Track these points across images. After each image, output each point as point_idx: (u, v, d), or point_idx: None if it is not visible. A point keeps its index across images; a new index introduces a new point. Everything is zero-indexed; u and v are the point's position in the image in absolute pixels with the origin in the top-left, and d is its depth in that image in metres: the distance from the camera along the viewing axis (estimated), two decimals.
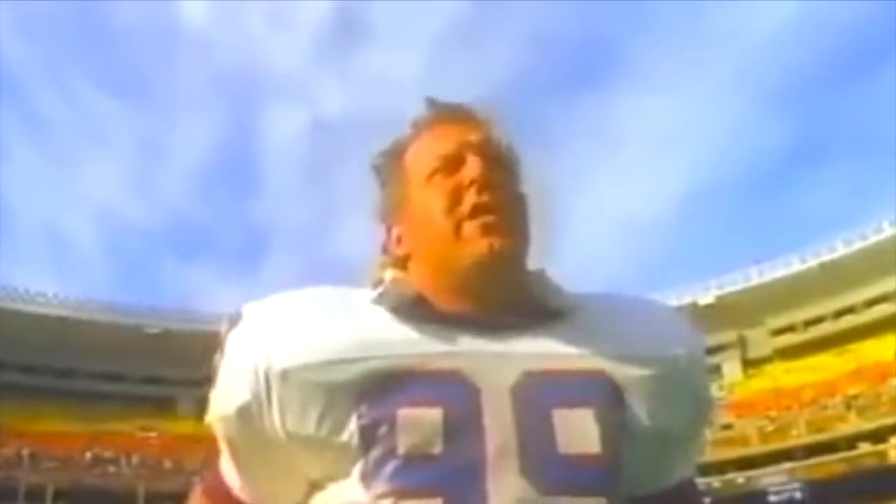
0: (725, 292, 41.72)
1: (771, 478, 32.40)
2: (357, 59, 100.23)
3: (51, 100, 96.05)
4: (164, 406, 41.62)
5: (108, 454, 35.55)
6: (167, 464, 35.72)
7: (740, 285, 42.02)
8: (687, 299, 39.65)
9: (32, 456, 32.89)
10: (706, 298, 41.25)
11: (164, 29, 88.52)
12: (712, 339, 38.62)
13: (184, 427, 38.86)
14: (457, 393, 0.74)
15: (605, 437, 0.75)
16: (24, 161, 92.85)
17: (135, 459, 35.71)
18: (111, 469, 34.98)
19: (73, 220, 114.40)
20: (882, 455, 29.86)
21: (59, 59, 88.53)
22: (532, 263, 0.84)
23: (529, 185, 0.87)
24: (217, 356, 0.81)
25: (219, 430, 0.81)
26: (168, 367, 41.78)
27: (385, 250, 0.88)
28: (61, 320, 39.96)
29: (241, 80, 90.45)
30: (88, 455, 34.94)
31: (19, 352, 37.96)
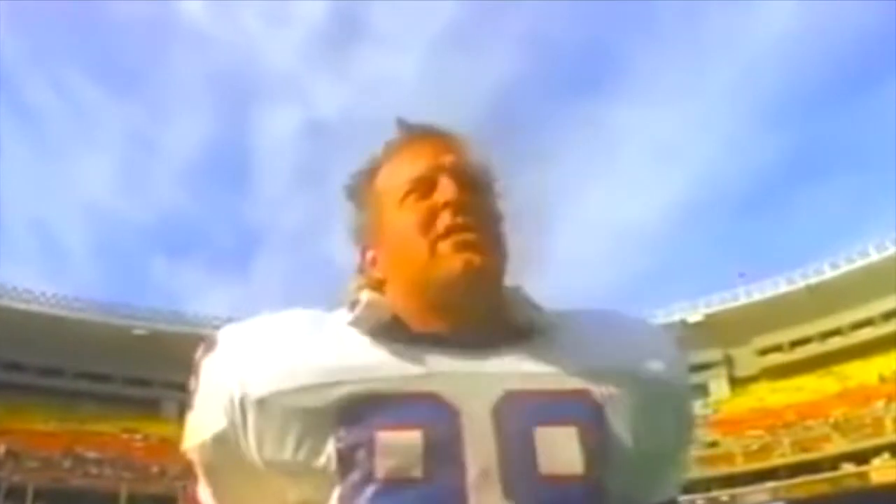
0: (713, 311, 41.95)
1: (755, 496, 32.44)
2: (353, 60, 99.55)
3: (42, 94, 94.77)
4: (149, 408, 41.29)
5: (90, 455, 35.15)
6: (150, 466, 35.41)
7: (728, 304, 42.28)
8: (675, 317, 40.05)
9: (14, 454, 32.54)
10: (694, 316, 41.49)
11: (159, 24, 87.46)
12: (700, 357, 38.88)
13: (168, 430, 38.53)
14: (436, 415, 0.73)
15: (587, 457, 0.73)
16: (14, 156, 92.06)
17: (117, 461, 35.37)
18: (93, 470, 34.60)
19: (63, 216, 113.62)
20: (864, 476, 29.98)
21: (51, 52, 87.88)
22: (515, 279, 0.82)
23: (513, 202, 0.85)
24: (192, 382, 0.82)
25: (196, 458, 0.81)
26: (154, 369, 41.42)
27: (361, 271, 0.87)
28: (48, 318, 39.73)
29: (237, 77, 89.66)
30: (70, 455, 34.61)
31: (4, 348, 37.61)
